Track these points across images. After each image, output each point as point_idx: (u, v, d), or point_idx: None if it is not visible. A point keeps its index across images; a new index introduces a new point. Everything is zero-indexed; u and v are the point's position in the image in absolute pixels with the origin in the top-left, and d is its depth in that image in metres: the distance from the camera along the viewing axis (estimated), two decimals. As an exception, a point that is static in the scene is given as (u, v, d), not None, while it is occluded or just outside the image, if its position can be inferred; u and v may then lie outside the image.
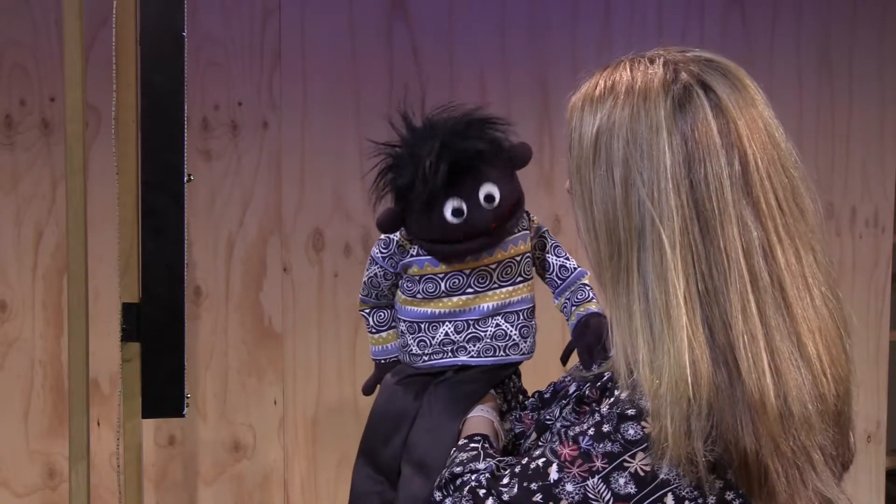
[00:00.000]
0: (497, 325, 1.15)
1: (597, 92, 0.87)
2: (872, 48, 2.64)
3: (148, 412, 1.46)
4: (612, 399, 0.85)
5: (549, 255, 1.20)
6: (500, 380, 1.18)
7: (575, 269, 1.20)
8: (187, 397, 1.45)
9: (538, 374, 1.25)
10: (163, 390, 1.44)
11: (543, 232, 1.21)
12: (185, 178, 1.42)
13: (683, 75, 0.84)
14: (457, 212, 1.08)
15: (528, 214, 1.19)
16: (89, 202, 1.48)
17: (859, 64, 2.63)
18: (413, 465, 1.12)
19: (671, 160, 0.81)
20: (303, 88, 2.16)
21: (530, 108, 2.32)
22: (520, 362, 1.19)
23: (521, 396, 1.22)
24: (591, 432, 0.84)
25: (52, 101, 1.99)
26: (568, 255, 1.21)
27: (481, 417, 1.12)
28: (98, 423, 2.05)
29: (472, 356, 1.15)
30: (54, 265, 2.01)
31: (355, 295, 2.19)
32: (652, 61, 0.86)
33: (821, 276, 0.84)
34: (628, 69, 0.87)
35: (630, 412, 0.81)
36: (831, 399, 0.82)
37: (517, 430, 1.15)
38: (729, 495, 0.82)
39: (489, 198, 1.08)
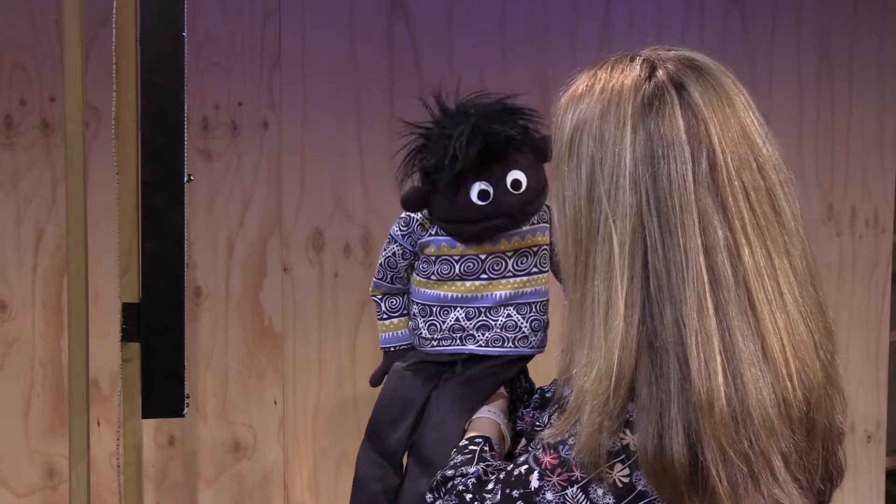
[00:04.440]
0: (508, 315, 1.15)
1: (579, 90, 0.87)
2: (872, 48, 2.64)
3: (148, 412, 1.46)
4: None
5: None
6: (509, 377, 1.18)
7: None
8: (187, 397, 1.45)
9: (540, 370, 1.25)
10: (163, 390, 1.44)
11: None
12: (185, 178, 1.42)
13: (659, 73, 0.84)
14: (483, 194, 1.10)
15: (549, 209, 1.20)
16: (89, 202, 1.48)
17: (859, 64, 2.63)
18: (419, 462, 1.13)
19: (631, 157, 0.81)
20: (303, 88, 2.16)
21: (530, 108, 2.32)
22: (529, 356, 1.19)
23: (526, 396, 1.22)
24: (570, 441, 0.83)
25: (52, 101, 1.99)
26: None
27: (487, 419, 1.12)
28: (98, 423, 2.05)
29: (479, 345, 1.15)
30: (54, 265, 2.01)
31: (355, 295, 2.22)
32: (633, 59, 0.86)
33: (794, 280, 0.82)
34: (609, 68, 0.87)
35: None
36: (797, 405, 0.80)
37: (518, 428, 1.15)
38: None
39: (516, 184, 1.11)
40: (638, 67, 0.85)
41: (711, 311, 0.78)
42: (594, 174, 0.82)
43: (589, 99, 0.85)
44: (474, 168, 1.10)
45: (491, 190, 1.10)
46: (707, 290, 0.78)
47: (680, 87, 0.83)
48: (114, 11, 1.44)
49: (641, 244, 0.80)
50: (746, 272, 0.79)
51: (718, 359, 0.77)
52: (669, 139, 0.80)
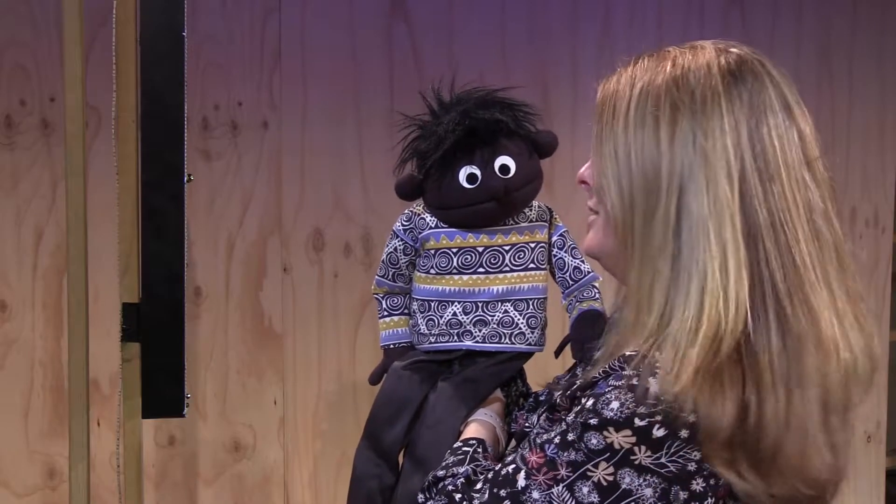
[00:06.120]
0: (505, 311, 1.16)
1: (638, 65, 0.88)
2: (872, 48, 2.63)
3: (148, 412, 1.46)
4: (577, 407, 0.85)
5: (566, 255, 1.21)
6: (506, 377, 1.19)
7: (588, 272, 1.21)
8: (187, 397, 1.46)
9: (538, 371, 1.25)
10: (163, 390, 1.44)
11: (563, 231, 1.22)
12: (185, 178, 1.42)
13: (735, 50, 0.86)
14: (471, 178, 1.12)
15: (551, 211, 1.22)
16: (89, 202, 1.48)
17: (859, 64, 2.63)
18: (414, 461, 1.13)
19: (727, 105, 0.82)
20: (303, 88, 2.16)
21: (530, 108, 2.32)
22: (527, 354, 1.19)
23: (521, 400, 1.22)
24: (556, 440, 0.84)
25: (52, 101, 1.99)
26: (584, 258, 1.21)
27: (483, 422, 1.12)
28: (98, 423, 2.05)
29: (476, 341, 1.16)
30: (54, 265, 2.01)
31: (355, 295, 2.22)
32: (698, 44, 0.88)
33: (854, 261, 0.86)
34: (674, 48, 0.88)
35: (593, 421, 0.81)
36: (872, 368, 0.84)
37: (513, 430, 1.15)
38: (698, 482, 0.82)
39: (504, 169, 1.13)
40: (710, 47, 0.87)
41: (819, 261, 0.81)
42: (679, 124, 0.82)
43: (657, 64, 0.86)
44: (463, 152, 1.13)
45: (479, 173, 1.12)
46: (814, 245, 0.81)
47: (762, 64, 0.86)
48: (114, 11, 1.44)
49: (744, 189, 0.81)
50: (837, 236, 0.83)
51: (833, 307, 0.81)
52: (763, 100, 0.83)
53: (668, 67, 0.85)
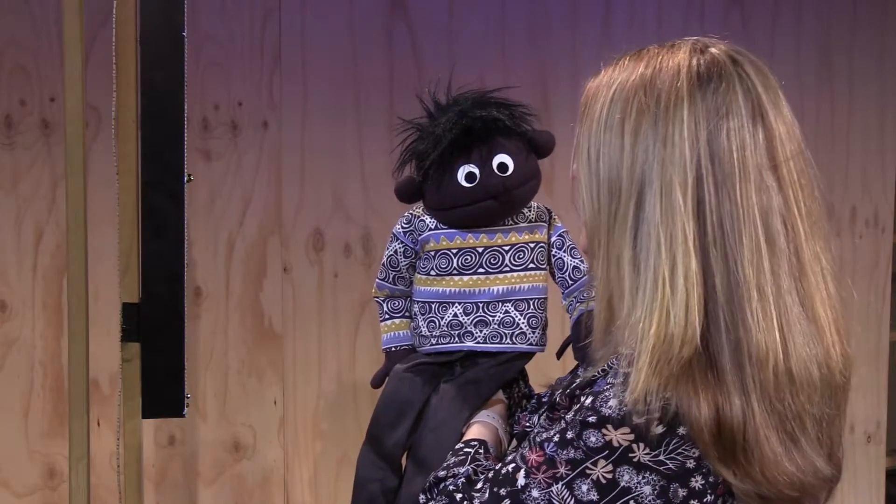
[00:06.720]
0: (506, 311, 1.17)
1: (619, 65, 0.88)
2: (872, 48, 2.64)
3: (148, 412, 1.46)
4: (577, 406, 0.85)
5: (565, 255, 1.21)
6: (508, 378, 1.19)
7: (588, 271, 1.21)
8: (187, 397, 1.46)
9: (540, 372, 1.25)
10: (163, 390, 1.44)
11: (563, 232, 1.23)
12: (185, 178, 1.42)
13: (712, 49, 0.86)
14: (470, 176, 1.13)
15: (550, 211, 1.23)
16: (89, 202, 1.48)
17: (859, 64, 2.63)
18: (417, 463, 1.13)
19: (689, 110, 0.81)
20: (303, 88, 2.16)
21: (530, 108, 2.31)
22: (528, 355, 1.20)
23: (524, 401, 1.22)
24: (556, 438, 0.84)
25: (52, 101, 1.99)
26: (583, 258, 1.22)
27: (485, 423, 1.12)
28: (98, 423, 2.05)
29: (477, 342, 1.17)
30: (54, 265, 2.01)
31: (355, 295, 2.22)
32: (677, 43, 0.88)
33: (829, 266, 0.84)
34: (654, 47, 0.88)
35: (591, 419, 0.81)
36: (837, 372, 0.82)
37: (515, 432, 1.15)
38: (696, 480, 0.82)
39: (502, 167, 1.13)
40: (687, 45, 0.86)
41: (767, 269, 0.80)
42: (642, 126, 0.82)
43: (633, 65, 0.86)
44: (461, 152, 1.13)
45: (477, 172, 1.13)
46: (764, 249, 0.80)
47: (735, 63, 0.84)
48: (114, 11, 1.44)
49: (698, 194, 0.80)
50: (799, 240, 0.82)
51: (774, 314, 0.79)
52: (728, 103, 0.82)
53: (641, 69, 0.85)
